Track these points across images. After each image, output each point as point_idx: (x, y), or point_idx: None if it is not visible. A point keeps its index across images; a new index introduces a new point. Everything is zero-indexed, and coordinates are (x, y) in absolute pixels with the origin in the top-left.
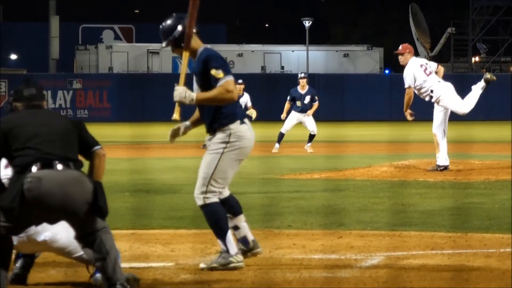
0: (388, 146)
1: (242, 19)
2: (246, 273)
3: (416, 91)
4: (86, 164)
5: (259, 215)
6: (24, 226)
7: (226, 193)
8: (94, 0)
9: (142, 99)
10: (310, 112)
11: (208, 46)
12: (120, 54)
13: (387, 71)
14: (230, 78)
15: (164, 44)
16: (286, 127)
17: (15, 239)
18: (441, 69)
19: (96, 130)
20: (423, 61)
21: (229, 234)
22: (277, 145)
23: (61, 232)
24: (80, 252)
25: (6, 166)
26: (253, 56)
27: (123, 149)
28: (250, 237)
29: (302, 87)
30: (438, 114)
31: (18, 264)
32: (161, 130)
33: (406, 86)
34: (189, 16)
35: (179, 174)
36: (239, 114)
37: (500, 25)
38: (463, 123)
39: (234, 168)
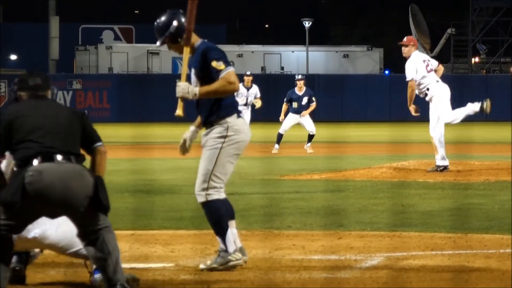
0: (388, 146)
1: (242, 19)
2: (246, 274)
3: None
4: (87, 159)
5: (259, 215)
6: (25, 223)
7: (222, 195)
8: (94, 0)
9: (142, 100)
10: (306, 112)
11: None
12: (120, 55)
13: (387, 72)
14: (231, 69)
15: (159, 43)
16: (284, 128)
17: None
18: (441, 68)
19: None
20: (426, 57)
21: (229, 232)
22: (276, 145)
23: (51, 229)
24: (74, 247)
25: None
26: (253, 57)
27: (123, 149)
28: (239, 244)
29: (300, 89)
30: (434, 114)
31: (14, 259)
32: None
33: (408, 79)
34: (188, 12)
35: (179, 174)
36: (236, 107)
37: (500, 26)
38: (463, 124)
39: (233, 162)
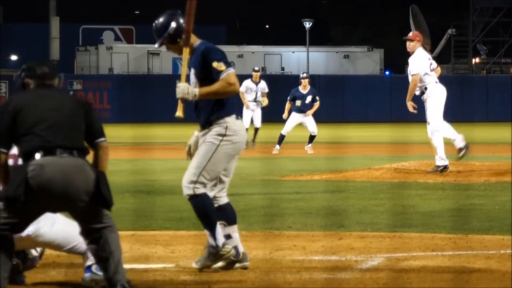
0: (388, 147)
1: (242, 20)
2: (247, 275)
3: None
4: (90, 154)
5: (260, 216)
6: (27, 220)
7: (224, 199)
8: (94, 1)
9: (142, 100)
10: (310, 112)
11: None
12: (120, 55)
13: (387, 72)
14: (232, 71)
15: (157, 45)
16: (286, 129)
17: None
18: (439, 70)
19: None
20: (429, 55)
21: (218, 225)
22: (277, 146)
23: (44, 226)
24: (70, 244)
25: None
26: (253, 57)
27: (123, 150)
28: (241, 249)
29: (304, 87)
30: (430, 114)
31: None
32: (162, 131)
33: (413, 72)
34: (187, 13)
35: (180, 175)
36: (234, 108)
37: (500, 26)
38: (463, 124)
39: (226, 163)
